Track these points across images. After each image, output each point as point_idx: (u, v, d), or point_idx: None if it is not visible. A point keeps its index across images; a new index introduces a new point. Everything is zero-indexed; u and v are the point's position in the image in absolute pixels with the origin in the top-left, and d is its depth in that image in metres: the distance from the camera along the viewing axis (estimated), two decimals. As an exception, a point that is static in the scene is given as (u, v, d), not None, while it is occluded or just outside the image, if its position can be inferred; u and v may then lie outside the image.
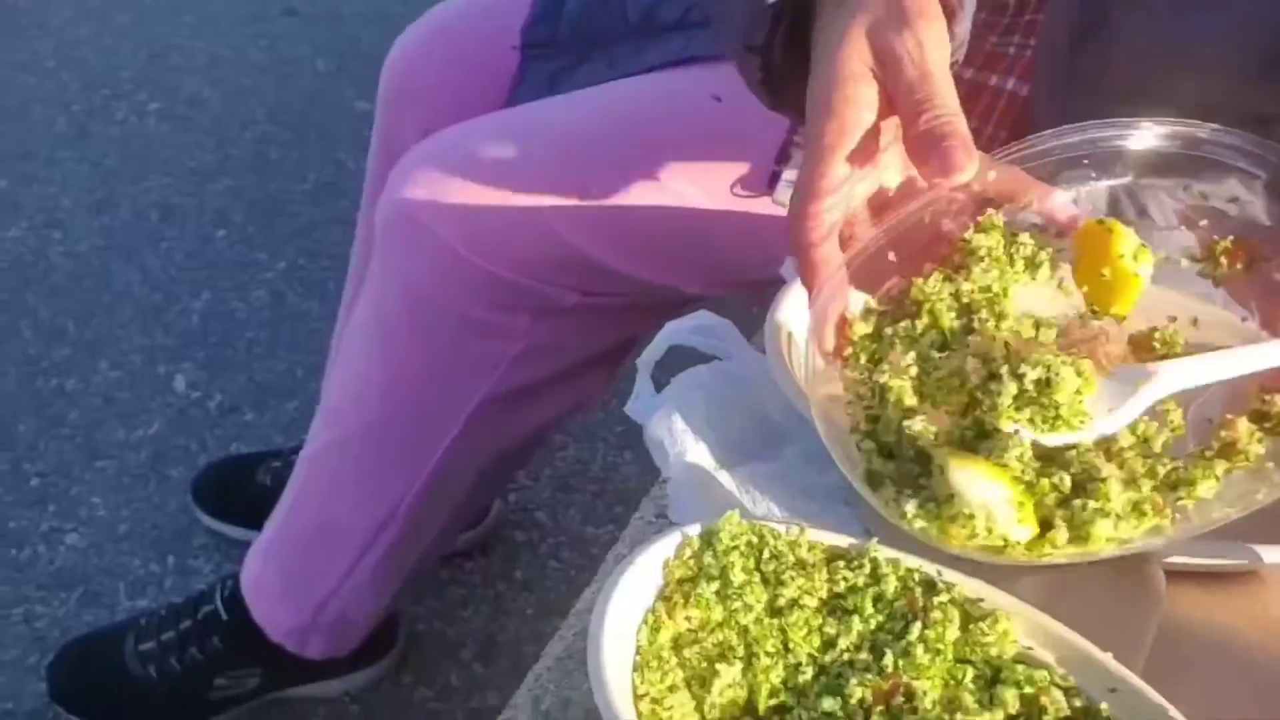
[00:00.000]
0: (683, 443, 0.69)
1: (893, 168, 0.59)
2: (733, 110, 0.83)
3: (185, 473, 1.45)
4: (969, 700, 0.54)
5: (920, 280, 0.68)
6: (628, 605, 0.56)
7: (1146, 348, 0.66)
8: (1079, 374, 0.58)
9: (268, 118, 2.07)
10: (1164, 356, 0.64)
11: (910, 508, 0.58)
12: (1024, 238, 0.64)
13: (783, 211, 0.79)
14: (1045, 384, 0.58)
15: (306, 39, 2.29)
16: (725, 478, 0.68)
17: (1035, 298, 0.65)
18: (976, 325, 0.62)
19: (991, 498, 0.58)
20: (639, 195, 0.83)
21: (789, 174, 0.80)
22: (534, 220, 0.84)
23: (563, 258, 0.86)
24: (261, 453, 1.40)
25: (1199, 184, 0.61)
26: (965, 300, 0.63)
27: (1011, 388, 0.58)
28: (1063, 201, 0.61)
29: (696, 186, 0.83)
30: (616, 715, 0.50)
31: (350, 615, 1.09)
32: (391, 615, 1.20)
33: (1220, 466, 0.59)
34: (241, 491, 1.36)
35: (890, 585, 0.58)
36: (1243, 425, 0.60)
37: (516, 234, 0.85)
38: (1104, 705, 0.55)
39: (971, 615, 0.57)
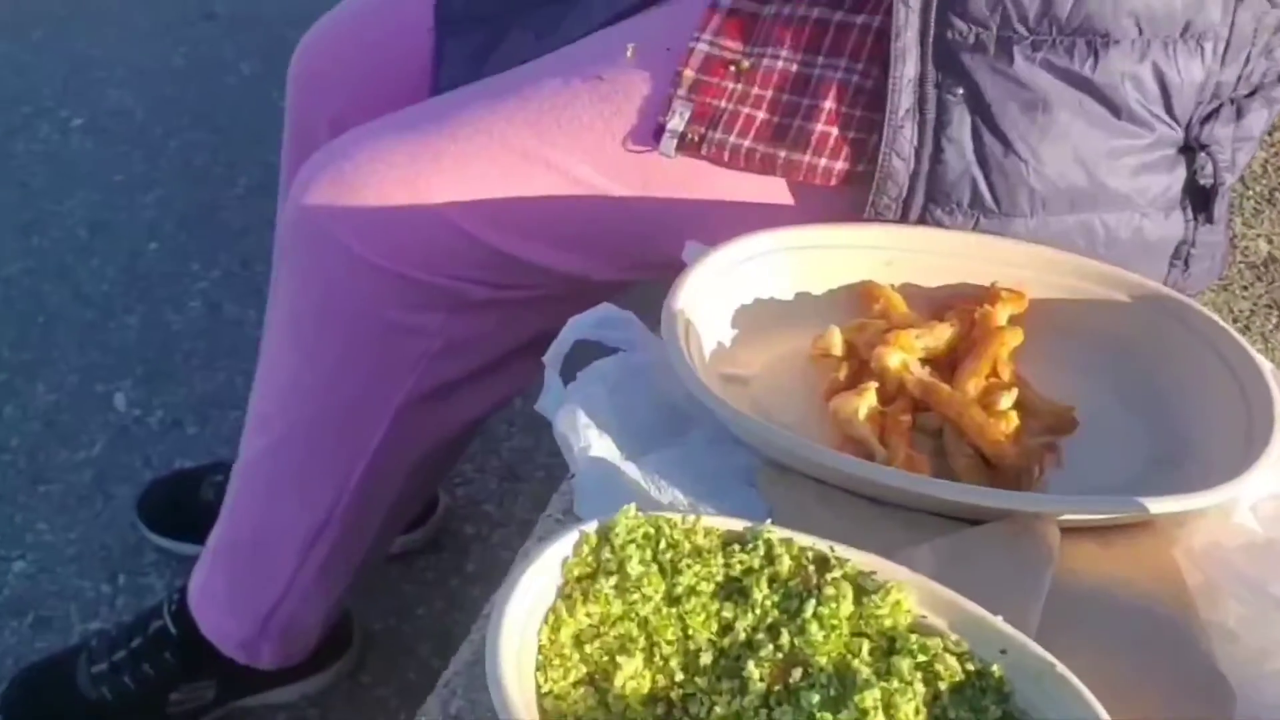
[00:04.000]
0: (586, 438, 0.70)
1: None
2: (617, 78, 0.83)
3: (131, 491, 1.44)
4: (865, 672, 0.56)
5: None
6: (527, 606, 0.57)
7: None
8: None
9: (193, 125, 2.05)
10: None
11: None
12: None
13: (671, 165, 0.80)
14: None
15: (228, 42, 2.26)
16: (632, 469, 0.70)
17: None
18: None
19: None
20: (537, 181, 0.84)
21: (673, 123, 0.80)
22: (436, 216, 0.85)
23: (468, 252, 0.86)
24: (205, 466, 1.40)
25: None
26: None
27: None
28: None
29: (593, 167, 0.83)
30: (512, 715, 0.52)
31: (299, 622, 1.09)
32: (344, 617, 1.21)
33: None
34: (188, 507, 1.36)
35: (784, 565, 0.60)
36: None
37: (419, 231, 0.85)
38: (995, 666, 0.57)
39: (865, 589, 0.59)
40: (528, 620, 0.57)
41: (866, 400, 0.72)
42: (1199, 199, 0.83)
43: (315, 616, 1.10)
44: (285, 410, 0.98)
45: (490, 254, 0.87)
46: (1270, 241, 0.96)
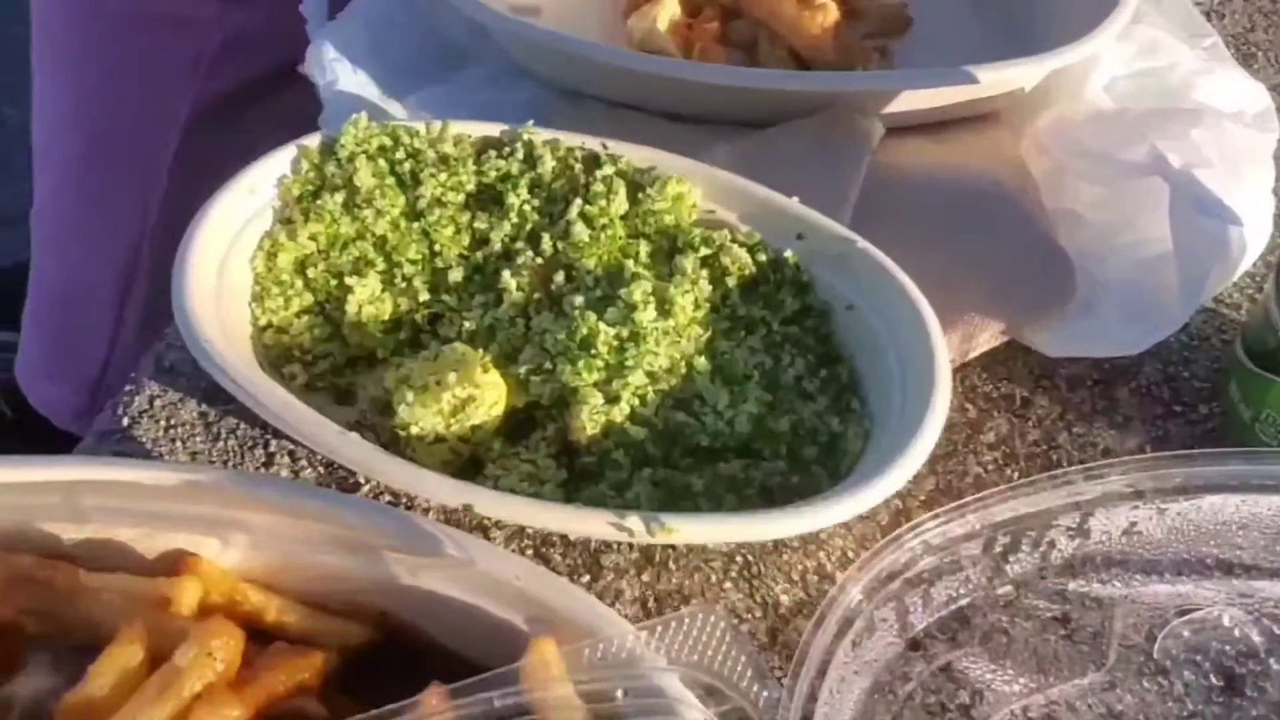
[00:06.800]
0: (334, 72, 0.60)
1: None
2: None
3: (-30, 288, 1.34)
4: (637, 269, 0.48)
5: None
6: (231, 232, 0.48)
7: None
8: None
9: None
10: None
11: None
12: None
13: None
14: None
15: None
16: (395, 107, 0.60)
17: None
18: None
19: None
20: None
21: None
22: None
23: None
24: (45, 252, 1.30)
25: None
26: None
27: None
28: None
29: None
30: (194, 335, 0.43)
31: (134, 386, 1.01)
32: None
33: None
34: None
35: (548, 167, 0.51)
36: None
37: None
38: (789, 253, 0.49)
39: (641, 185, 0.50)
40: (233, 248, 0.48)
41: (667, 9, 0.62)
42: None
43: (151, 378, 1.02)
44: (61, 139, 0.88)
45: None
46: None
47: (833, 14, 0.61)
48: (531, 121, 0.52)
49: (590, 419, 0.44)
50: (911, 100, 0.57)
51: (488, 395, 0.44)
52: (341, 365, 0.48)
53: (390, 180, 0.50)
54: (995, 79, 0.56)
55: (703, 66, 0.57)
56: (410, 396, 0.43)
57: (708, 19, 0.62)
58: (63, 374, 1.00)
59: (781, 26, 0.60)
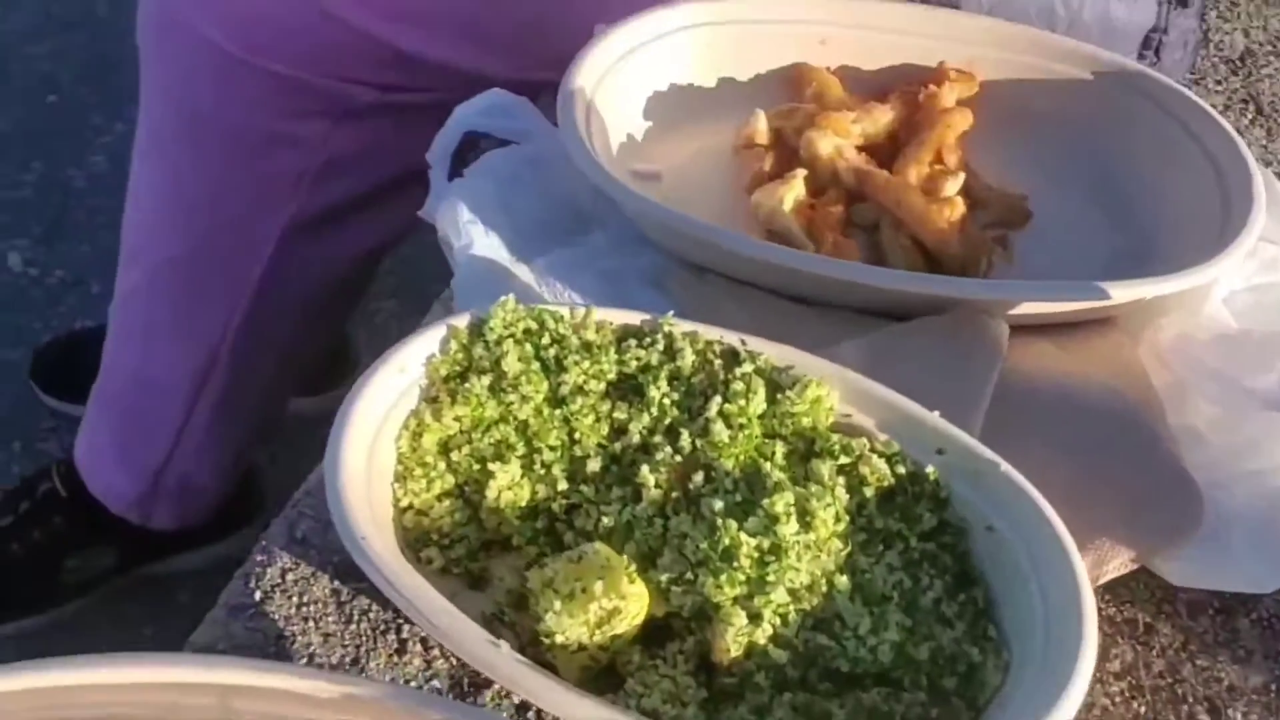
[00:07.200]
0: (469, 235, 0.60)
1: None
2: None
3: (27, 355, 1.34)
4: (777, 475, 0.48)
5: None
6: (382, 411, 0.49)
7: None
8: None
9: (94, -30, 1.90)
10: None
11: None
12: None
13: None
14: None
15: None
16: (523, 270, 0.61)
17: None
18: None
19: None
20: None
21: None
22: (308, 2, 0.74)
23: (347, 45, 0.76)
24: (105, 325, 1.30)
25: None
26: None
27: None
28: None
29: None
30: (350, 528, 0.43)
31: (195, 478, 1.01)
32: (252, 475, 1.12)
33: None
34: (86, 368, 1.26)
35: (687, 360, 0.51)
36: None
37: (292, 22, 0.75)
38: (930, 468, 0.50)
39: (779, 384, 0.51)
40: (383, 427, 0.49)
41: (793, 190, 0.63)
42: (1174, -25, 0.74)
43: (212, 473, 1.02)
44: (155, 240, 0.88)
45: (372, 46, 0.77)
46: (1247, 35, 0.87)
47: (959, 208, 0.62)
48: (672, 312, 0.53)
49: (734, 641, 0.44)
50: (1037, 305, 0.58)
51: (632, 606, 0.44)
52: (476, 549, 0.48)
53: (535, 365, 0.50)
54: (1123, 294, 0.57)
55: (834, 263, 0.58)
56: (558, 605, 0.43)
57: (831, 200, 0.63)
58: (127, 465, 1.01)
59: (909, 217, 0.61)
